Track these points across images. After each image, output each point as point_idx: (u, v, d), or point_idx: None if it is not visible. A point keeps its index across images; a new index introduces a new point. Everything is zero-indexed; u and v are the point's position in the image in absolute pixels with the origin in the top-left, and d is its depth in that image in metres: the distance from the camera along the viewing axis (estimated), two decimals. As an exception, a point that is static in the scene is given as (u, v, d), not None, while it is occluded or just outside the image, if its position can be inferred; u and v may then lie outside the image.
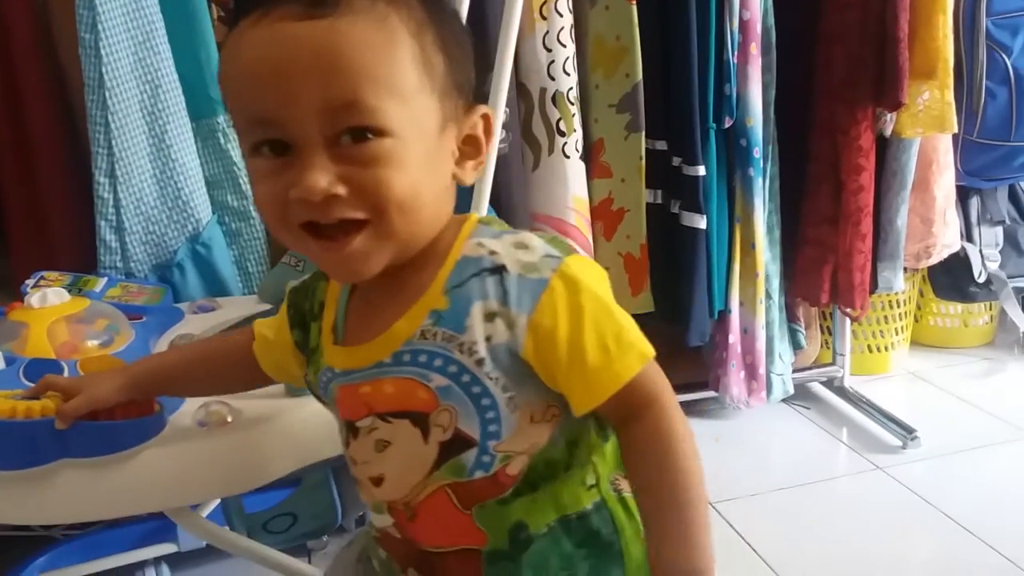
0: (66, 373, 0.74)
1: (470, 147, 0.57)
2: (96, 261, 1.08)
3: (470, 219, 0.58)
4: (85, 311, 0.84)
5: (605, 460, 0.59)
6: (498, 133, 0.88)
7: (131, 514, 0.68)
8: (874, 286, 1.60)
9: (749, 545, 1.28)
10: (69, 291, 0.87)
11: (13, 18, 1.09)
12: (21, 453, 0.65)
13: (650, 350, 0.54)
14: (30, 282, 0.98)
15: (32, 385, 0.69)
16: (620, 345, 0.53)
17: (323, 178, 0.49)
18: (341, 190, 0.50)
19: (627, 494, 0.58)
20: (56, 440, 0.65)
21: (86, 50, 1.00)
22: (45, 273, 1.00)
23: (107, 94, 1.00)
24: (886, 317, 1.84)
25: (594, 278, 0.54)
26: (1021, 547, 1.22)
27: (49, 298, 0.81)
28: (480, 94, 0.60)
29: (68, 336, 0.80)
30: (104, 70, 1.00)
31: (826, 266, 1.54)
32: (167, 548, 1.18)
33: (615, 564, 0.58)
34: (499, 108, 0.86)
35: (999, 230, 1.75)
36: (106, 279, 1.01)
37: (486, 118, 0.57)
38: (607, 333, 0.53)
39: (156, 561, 1.21)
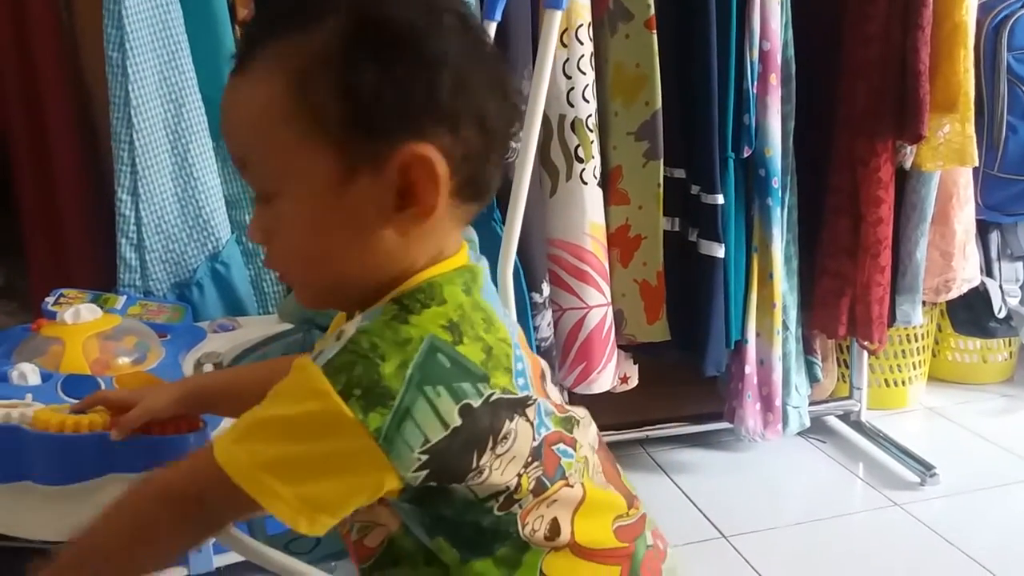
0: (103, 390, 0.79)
1: (408, 195, 0.52)
2: (113, 279, 1.13)
3: (407, 284, 0.54)
4: (114, 329, 0.89)
5: None
6: (530, 160, 0.92)
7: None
8: (892, 319, 1.65)
9: None
10: (93, 309, 0.92)
11: (38, 37, 1.15)
12: (69, 467, 0.70)
13: (227, 464, 0.51)
14: (50, 299, 1.02)
15: (72, 400, 0.75)
16: (236, 433, 0.52)
17: (255, 232, 0.55)
18: (265, 245, 0.56)
19: None
20: (104, 455, 0.70)
21: (113, 68, 1.06)
22: (64, 291, 1.05)
23: (132, 112, 1.06)
24: (904, 351, 1.89)
25: (288, 392, 0.52)
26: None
27: (82, 315, 0.86)
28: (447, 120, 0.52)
29: (99, 353, 0.85)
30: (130, 88, 1.06)
31: (844, 298, 1.60)
32: (178, 572, 1.21)
33: None
34: (532, 136, 0.92)
35: (1019, 265, 1.81)
36: (125, 297, 1.06)
37: (419, 160, 0.51)
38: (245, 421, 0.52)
39: (164, 585, 1.25)
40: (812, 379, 1.72)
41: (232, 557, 1.26)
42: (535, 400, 0.55)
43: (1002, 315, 1.79)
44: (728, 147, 1.45)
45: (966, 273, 1.65)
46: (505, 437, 0.53)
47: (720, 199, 1.43)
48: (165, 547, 0.56)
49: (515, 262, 1.33)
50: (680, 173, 1.46)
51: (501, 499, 0.55)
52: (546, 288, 1.43)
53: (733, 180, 1.47)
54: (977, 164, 1.53)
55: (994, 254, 1.80)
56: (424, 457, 0.50)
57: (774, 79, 1.44)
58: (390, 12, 0.51)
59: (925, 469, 1.58)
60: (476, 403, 0.51)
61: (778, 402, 1.61)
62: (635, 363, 1.58)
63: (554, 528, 0.58)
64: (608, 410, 1.65)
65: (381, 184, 0.51)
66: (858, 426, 1.80)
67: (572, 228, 1.42)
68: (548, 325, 1.43)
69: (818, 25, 1.52)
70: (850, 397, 1.81)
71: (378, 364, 0.50)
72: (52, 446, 0.69)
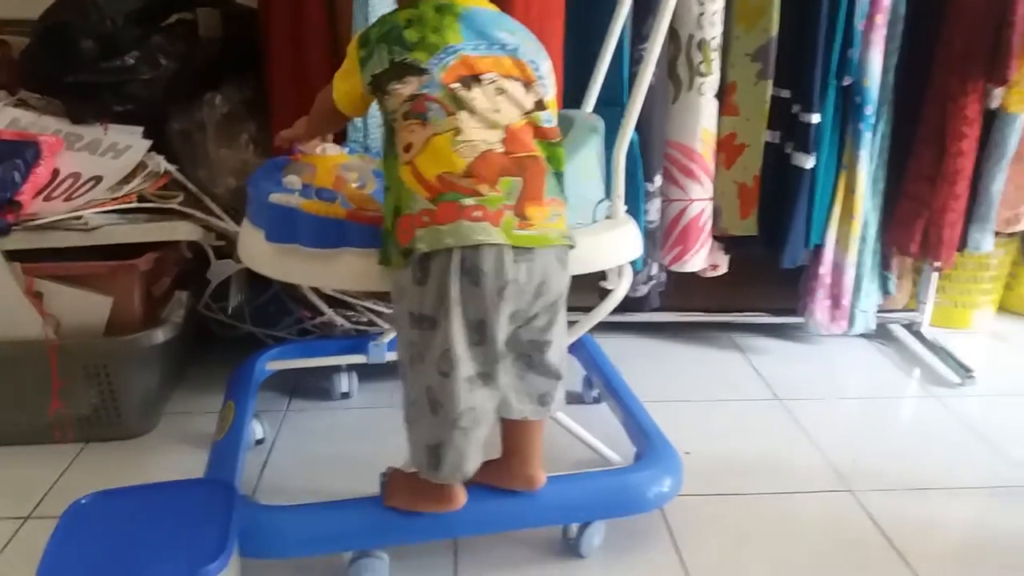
0: (339, 200, 1.08)
1: None
2: (344, 135, 1.42)
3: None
4: (346, 164, 1.19)
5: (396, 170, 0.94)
6: (651, 68, 1.08)
7: (376, 289, 1.02)
8: (963, 244, 1.76)
9: (808, 436, 1.51)
10: (328, 152, 1.22)
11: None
12: (321, 238, 1.00)
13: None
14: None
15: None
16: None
17: None
18: None
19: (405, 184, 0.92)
20: (342, 233, 1.00)
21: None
22: (307, 139, 1.35)
23: (369, 8, 1.32)
24: (975, 277, 1.99)
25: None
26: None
27: (328, 151, 1.17)
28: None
29: (336, 178, 1.15)
30: (369, -12, 1.33)
31: (919, 220, 1.72)
32: (358, 359, 1.54)
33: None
34: (655, 48, 1.09)
35: (1096, 209, 1.86)
36: (348, 149, 1.36)
37: None
38: None
39: (348, 368, 1.60)
40: (885, 292, 1.86)
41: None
42: (431, 73, 0.92)
43: (1070, 252, 1.87)
44: (831, 75, 1.58)
45: (1037, 208, 1.74)
46: (407, 80, 0.93)
47: (815, 118, 1.59)
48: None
49: (636, 155, 1.56)
50: (786, 93, 1.62)
51: (396, 114, 0.94)
52: (658, 180, 1.64)
53: (832, 104, 1.61)
54: (1056, 109, 1.60)
55: (1073, 197, 1.85)
56: (378, 70, 0.95)
57: (880, 19, 1.56)
58: None
59: (965, 371, 1.73)
60: (397, 57, 0.93)
61: (846, 302, 1.78)
62: (726, 254, 1.78)
63: (408, 147, 0.93)
64: (702, 296, 1.89)
65: None
66: (919, 335, 1.95)
67: (688, 132, 1.62)
68: (656, 211, 1.66)
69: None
70: (916, 310, 1.95)
71: (371, 28, 0.97)
72: (311, 223, 1.00)
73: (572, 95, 1.35)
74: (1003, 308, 2.12)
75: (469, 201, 0.90)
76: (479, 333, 0.92)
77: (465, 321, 0.91)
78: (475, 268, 0.89)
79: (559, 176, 0.98)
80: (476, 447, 0.97)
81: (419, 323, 0.93)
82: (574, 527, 1.15)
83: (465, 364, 0.93)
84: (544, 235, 0.93)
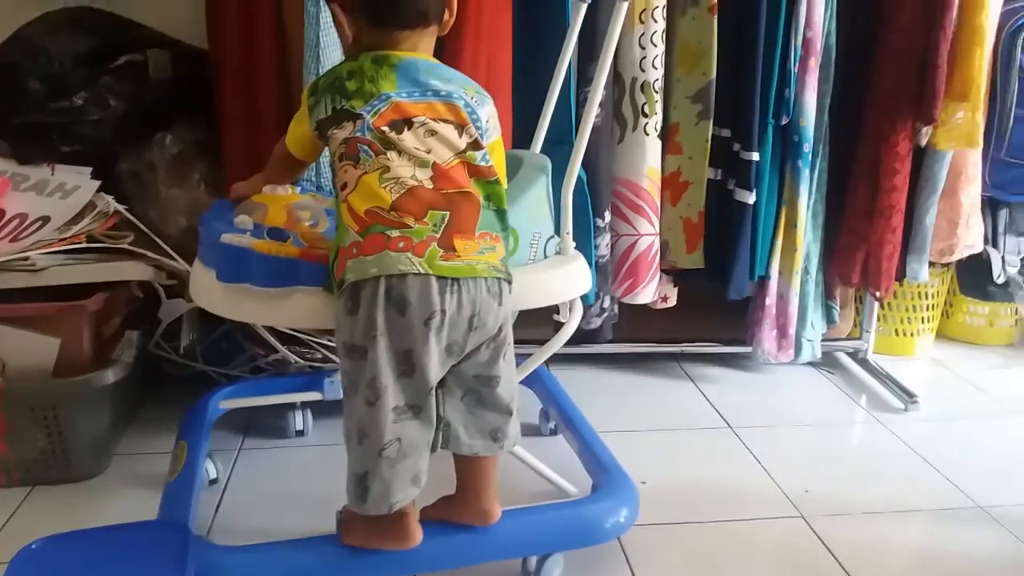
0: (290, 239, 1.10)
1: None
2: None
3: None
4: (298, 203, 1.20)
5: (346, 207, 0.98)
6: (595, 109, 1.13)
7: (329, 327, 1.02)
8: (902, 275, 1.84)
9: (760, 464, 1.54)
10: (281, 191, 1.23)
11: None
12: (271, 277, 1.01)
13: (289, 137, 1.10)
14: (250, 182, 1.33)
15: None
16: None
17: None
18: None
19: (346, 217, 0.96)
20: (292, 272, 1.01)
21: (309, 17, 1.35)
22: (258, 178, 1.36)
23: (320, 52, 1.35)
24: (915, 306, 2.08)
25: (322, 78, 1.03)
26: (975, 488, 1.47)
27: (279, 191, 1.18)
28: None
29: (288, 216, 1.16)
30: (320, 34, 1.35)
31: (859, 252, 1.80)
32: (313, 396, 1.54)
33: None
34: (598, 90, 1.13)
35: (1023, 240, 1.97)
36: (300, 188, 1.37)
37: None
38: None
39: (303, 405, 1.59)
40: (830, 321, 1.93)
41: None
42: (364, 118, 0.97)
43: (1000, 281, 1.96)
44: (769, 115, 1.65)
45: (968, 240, 1.83)
46: (343, 125, 0.98)
47: (755, 156, 1.65)
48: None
49: (586, 192, 1.60)
50: (726, 133, 1.68)
51: (335, 156, 1.00)
52: (607, 216, 1.69)
53: (771, 142, 1.68)
54: (981, 146, 1.70)
55: (1001, 228, 1.96)
56: (322, 116, 1.00)
57: (813, 62, 1.64)
58: None
59: (908, 397, 1.79)
60: (338, 105, 0.99)
61: (792, 331, 1.84)
62: (675, 286, 1.83)
63: (344, 186, 0.98)
64: (652, 327, 1.93)
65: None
66: (864, 363, 2.01)
67: (634, 170, 1.67)
68: (606, 245, 1.70)
69: (861, 16, 1.70)
70: (860, 338, 2.02)
71: (319, 79, 1.03)
72: (263, 262, 1.01)
73: (522, 135, 1.39)
74: (942, 335, 2.20)
75: (395, 233, 0.93)
76: (407, 363, 0.94)
77: (392, 351, 0.93)
78: (401, 297, 0.92)
79: (500, 213, 1.01)
80: (403, 479, 0.98)
81: (351, 353, 0.95)
82: (533, 560, 1.16)
83: (392, 394, 0.94)
84: (471, 266, 0.95)
